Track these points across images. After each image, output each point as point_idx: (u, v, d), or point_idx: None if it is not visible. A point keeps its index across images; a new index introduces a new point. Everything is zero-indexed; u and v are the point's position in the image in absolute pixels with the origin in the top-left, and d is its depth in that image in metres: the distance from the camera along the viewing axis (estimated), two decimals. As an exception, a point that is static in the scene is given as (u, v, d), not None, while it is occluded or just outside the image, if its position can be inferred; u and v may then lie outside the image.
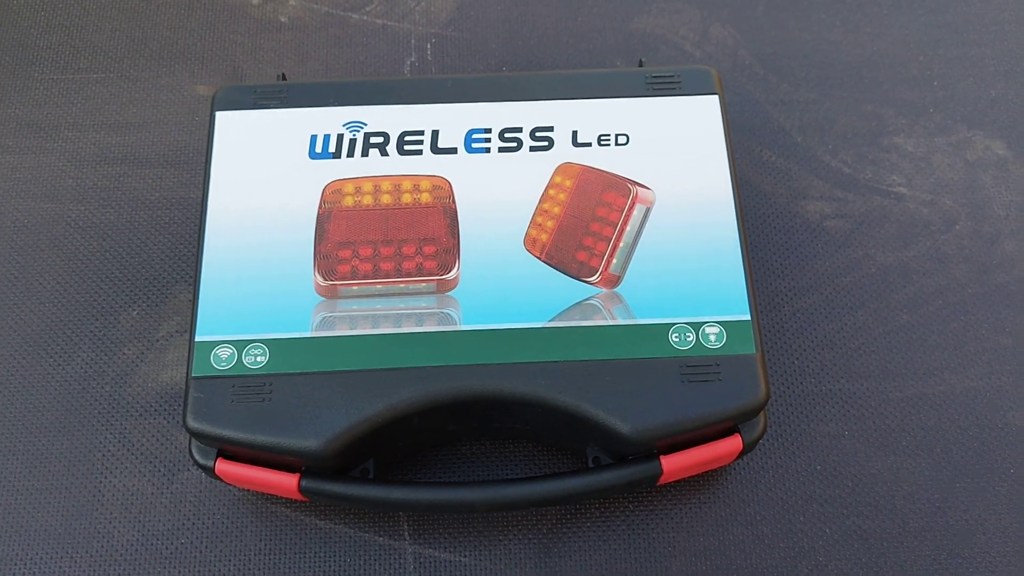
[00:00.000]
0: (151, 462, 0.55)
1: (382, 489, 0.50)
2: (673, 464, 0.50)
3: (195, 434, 0.48)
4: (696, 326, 0.51)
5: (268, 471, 0.49)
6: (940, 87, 0.69)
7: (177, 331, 0.59)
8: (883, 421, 0.58)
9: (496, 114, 0.56)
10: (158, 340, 0.59)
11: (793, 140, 0.67)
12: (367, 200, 0.54)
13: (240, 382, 0.49)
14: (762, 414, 0.52)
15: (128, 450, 0.56)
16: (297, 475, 0.49)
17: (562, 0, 0.72)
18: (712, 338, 0.50)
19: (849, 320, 0.61)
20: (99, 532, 0.53)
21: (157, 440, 0.56)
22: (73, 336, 0.59)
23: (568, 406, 0.49)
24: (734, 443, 0.50)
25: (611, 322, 0.51)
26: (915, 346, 0.60)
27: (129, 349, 0.58)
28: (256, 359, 0.49)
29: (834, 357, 0.60)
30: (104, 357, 0.58)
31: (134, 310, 0.59)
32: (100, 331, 0.59)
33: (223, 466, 0.49)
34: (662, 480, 0.51)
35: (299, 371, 0.49)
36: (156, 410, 0.57)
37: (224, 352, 0.49)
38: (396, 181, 0.54)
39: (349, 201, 0.53)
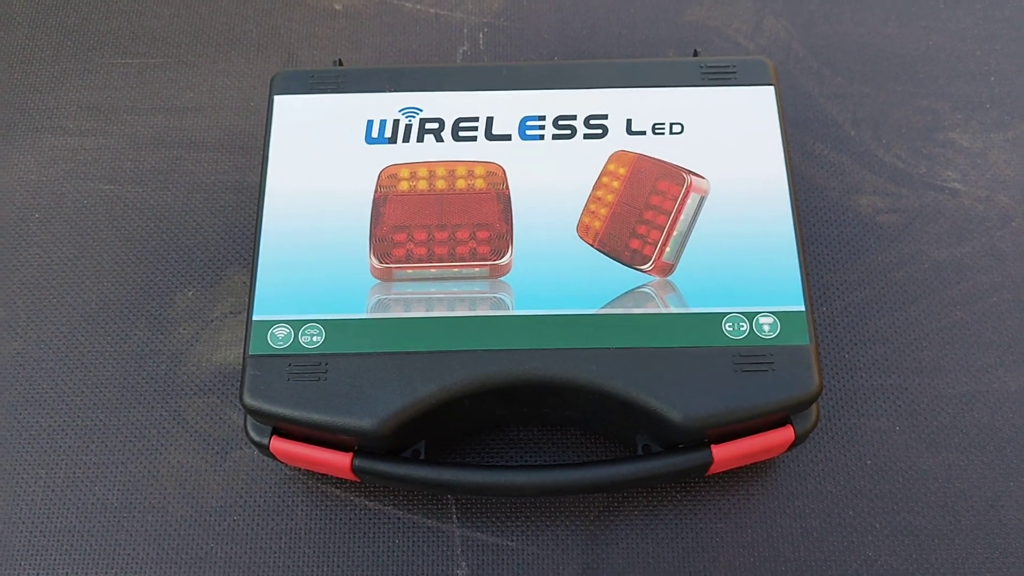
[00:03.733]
0: (205, 440, 0.56)
1: (433, 470, 0.50)
2: (724, 454, 0.50)
3: (251, 411, 0.49)
4: (750, 316, 0.50)
5: (321, 449, 0.50)
6: (997, 82, 0.68)
7: (231, 312, 0.60)
8: (935, 418, 0.57)
9: (550, 102, 0.57)
10: (212, 320, 0.60)
11: (847, 134, 0.66)
12: (422, 185, 0.54)
13: (296, 361, 0.49)
14: (814, 406, 0.51)
15: (183, 427, 0.56)
16: (350, 454, 0.50)
17: (614, -9, 0.72)
18: (766, 328, 0.50)
19: (902, 315, 0.60)
20: (154, 506, 0.54)
21: (211, 418, 0.57)
22: (130, 315, 0.60)
23: (619, 393, 0.49)
24: (786, 434, 0.50)
25: (664, 310, 0.51)
26: (969, 343, 0.59)
27: (184, 329, 0.59)
28: (312, 339, 0.50)
29: (887, 352, 0.59)
30: (160, 336, 0.59)
31: (189, 291, 0.60)
32: (156, 311, 0.60)
33: (277, 444, 0.50)
34: (712, 470, 0.51)
35: (354, 351, 0.49)
36: (210, 389, 0.58)
37: (281, 331, 0.50)
38: (451, 167, 0.55)
39: (404, 186, 0.54)
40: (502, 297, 0.51)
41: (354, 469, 0.50)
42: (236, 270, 0.61)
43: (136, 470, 0.55)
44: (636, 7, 0.71)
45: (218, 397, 0.57)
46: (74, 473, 0.55)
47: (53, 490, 0.55)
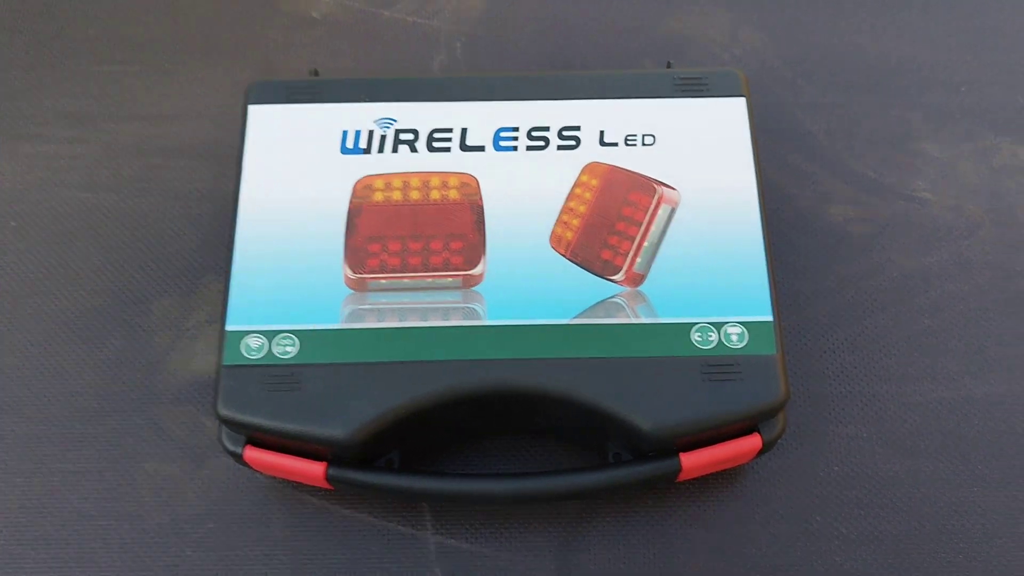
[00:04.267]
0: (181, 448, 0.57)
1: (406, 479, 0.51)
2: (692, 461, 0.50)
3: (225, 421, 0.49)
4: (718, 326, 0.51)
5: (295, 459, 0.50)
6: (967, 92, 0.69)
7: (207, 321, 0.60)
8: (902, 424, 0.58)
9: (524, 113, 0.57)
10: (188, 329, 0.60)
11: (819, 143, 0.67)
12: (396, 196, 0.55)
13: (270, 372, 0.50)
14: (781, 414, 0.52)
15: (159, 436, 0.57)
16: (324, 464, 0.50)
17: (592, 1, 0.72)
18: (734, 338, 0.51)
19: (870, 323, 0.61)
20: (130, 515, 0.55)
21: (187, 427, 0.57)
22: (107, 323, 0.60)
23: (589, 402, 0.50)
24: (753, 442, 0.51)
25: (634, 320, 0.51)
26: (936, 351, 0.60)
27: (160, 337, 0.60)
28: (286, 349, 0.50)
29: (855, 360, 0.60)
30: (136, 345, 0.59)
31: (166, 299, 0.61)
32: (132, 319, 0.60)
33: (251, 453, 0.50)
34: (681, 477, 0.51)
35: (328, 362, 0.50)
36: (186, 397, 0.58)
37: (254, 342, 0.50)
38: (425, 178, 0.55)
39: (379, 196, 0.54)
40: (475, 307, 0.52)
41: (328, 478, 0.50)
42: (212, 278, 0.61)
43: (112, 478, 0.56)
44: (613, 18, 0.72)
45: (194, 406, 0.58)
46: (50, 481, 0.56)
47: (29, 498, 0.55)
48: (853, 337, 0.61)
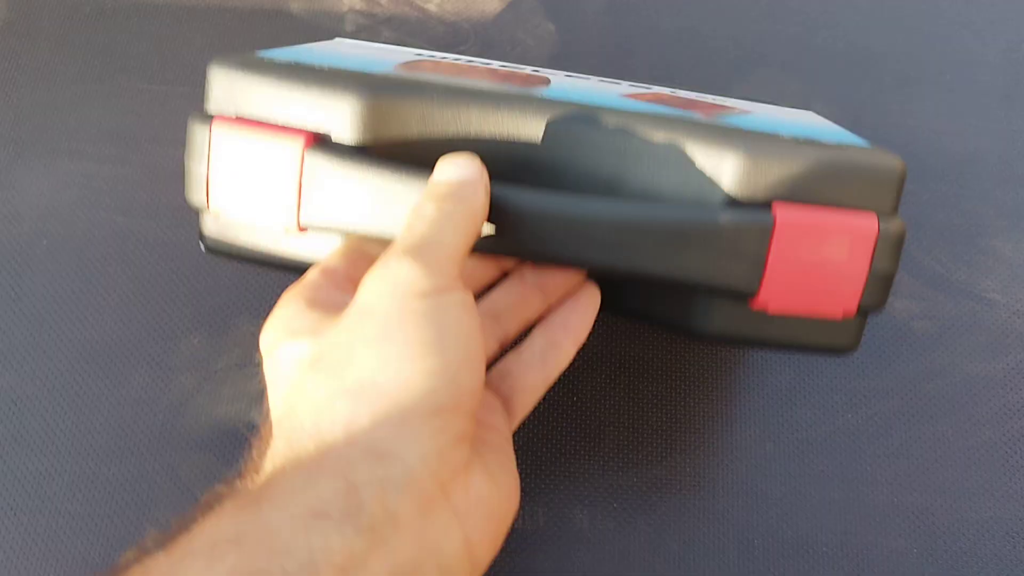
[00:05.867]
0: (196, 500, 0.54)
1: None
2: (789, 217, 0.41)
3: None
4: None
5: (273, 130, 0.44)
6: (1044, 190, 0.66)
7: (237, 364, 0.57)
8: (955, 542, 0.55)
9: None
10: (217, 372, 0.57)
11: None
12: None
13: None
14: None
15: (174, 484, 0.54)
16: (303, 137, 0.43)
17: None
18: None
19: (928, 430, 0.58)
20: (137, 567, 0.52)
21: (205, 477, 0.54)
22: (131, 357, 0.57)
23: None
24: (868, 220, 0.42)
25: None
26: (997, 465, 0.57)
27: (186, 378, 0.57)
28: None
29: (908, 468, 0.57)
30: (160, 383, 0.57)
31: (195, 337, 0.58)
32: (159, 355, 0.58)
33: (219, 126, 0.44)
34: (772, 249, 0.41)
35: None
36: (207, 445, 0.55)
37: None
38: None
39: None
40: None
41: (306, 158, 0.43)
42: (247, 319, 0.59)
43: (122, 525, 0.53)
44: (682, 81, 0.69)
45: (215, 455, 0.55)
46: (56, 522, 0.53)
47: (33, 538, 0.53)
48: (908, 443, 0.58)
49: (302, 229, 0.44)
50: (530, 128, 0.45)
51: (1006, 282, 0.63)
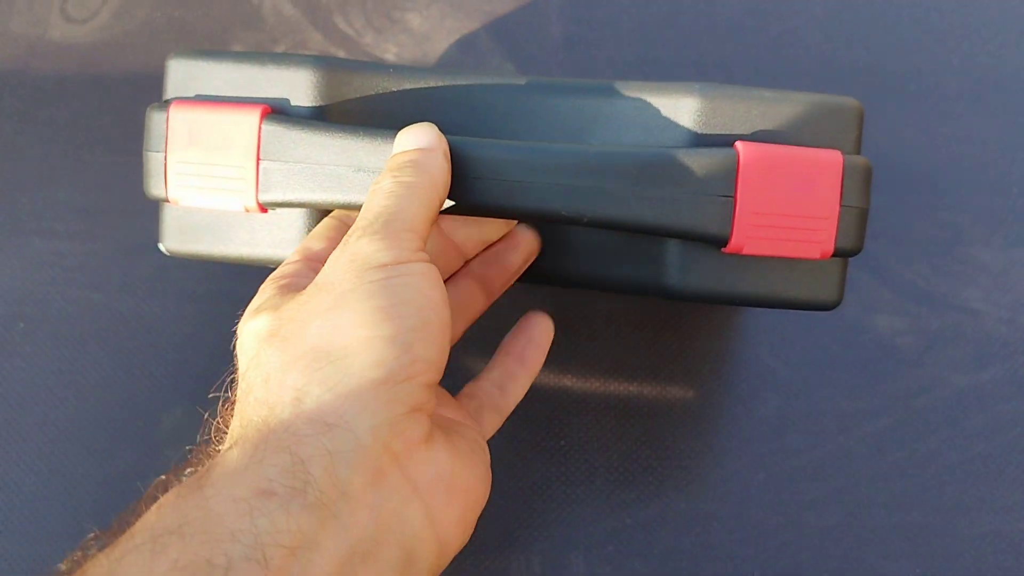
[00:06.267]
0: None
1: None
2: (753, 152, 0.41)
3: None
4: None
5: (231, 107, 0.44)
6: (1019, 194, 0.66)
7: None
8: (957, 559, 0.55)
9: None
10: (202, 444, 0.57)
11: (865, 247, 0.63)
12: None
13: None
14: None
15: (166, 562, 0.54)
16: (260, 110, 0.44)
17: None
18: None
19: (922, 447, 0.57)
20: (133, 651, 0.52)
21: (196, 554, 0.54)
22: (114, 435, 0.57)
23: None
24: (832, 155, 0.42)
25: None
26: (992, 478, 0.57)
27: (171, 452, 0.57)
28: None
29: (905, 487, 0.56)
30: (145, 459, 0.56)
31: (177, 410, 0.58)
32: (142, 431, 0.57)
33: (177, 110, 0.45)
34: (739, 185, 0.41)
35: None
36: (196, 520, 0.55)
37: None
38: None
39: None
40: None
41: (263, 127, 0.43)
42: (228, 388, 0.58)
43: (115, 608, 0.53)
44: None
45: (204, 530, 0.54)
46: (50, 610, 0.53)
47: (27, 629, 0.52)
48: (902, 462, 0.57)
49: (262, 209, 0.44)
50: (489, 97, 0.45)
51: (988, 290, 0.62)
